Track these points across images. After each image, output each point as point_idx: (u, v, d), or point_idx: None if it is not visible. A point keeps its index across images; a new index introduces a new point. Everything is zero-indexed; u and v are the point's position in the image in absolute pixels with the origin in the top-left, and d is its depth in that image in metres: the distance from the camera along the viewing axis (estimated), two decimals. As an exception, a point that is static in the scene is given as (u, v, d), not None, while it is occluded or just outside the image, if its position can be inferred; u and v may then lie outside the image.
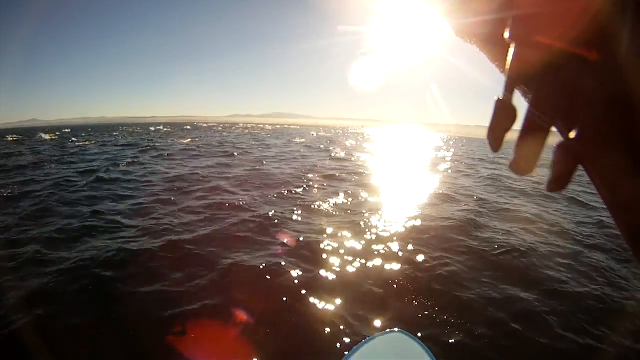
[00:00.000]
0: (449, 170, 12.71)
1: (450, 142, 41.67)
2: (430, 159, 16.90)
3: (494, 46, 0.28)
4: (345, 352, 2.07)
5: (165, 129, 45.61)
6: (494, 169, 13.88)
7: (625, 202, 0.23)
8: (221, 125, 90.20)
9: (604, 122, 0.22)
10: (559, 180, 0.24)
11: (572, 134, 0.23)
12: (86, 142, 21.82)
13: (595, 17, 0.20)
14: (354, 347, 2.08)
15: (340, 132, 62.90)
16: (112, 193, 6.88)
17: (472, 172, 12.53)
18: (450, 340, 2.74)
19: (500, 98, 0.25)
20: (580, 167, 0.24)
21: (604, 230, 5.60)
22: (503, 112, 0.25)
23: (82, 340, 2.57)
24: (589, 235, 5.35)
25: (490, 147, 0.27)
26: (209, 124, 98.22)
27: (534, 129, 0.24)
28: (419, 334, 2.69)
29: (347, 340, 2.68)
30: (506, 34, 0.24)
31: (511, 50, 0.24)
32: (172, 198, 6.45)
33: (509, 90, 0.25)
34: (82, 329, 2.68)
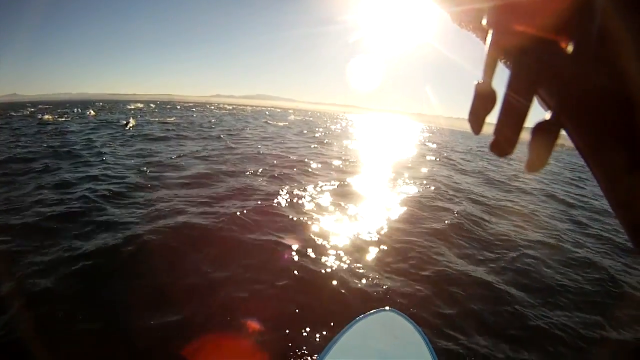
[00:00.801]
0: (434, 161, 12.91)
1: (437, 134, 42.06)
2: (415, 149, 17.04)
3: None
4: (337, 332, 2.08)
5: (146, 108, 43.81)
6: (473, 161, 14.16)
7: (625, 200, 0.23)
8: (202, 105, 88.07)
9: (593, 114, 0.22)
10: (535, 162, 0.24)
11: (547, 115, 0.24)
12: (64, 119, 20.76)
13: (569, 4, 0.21)
14: (346, 326, 2.09)
15: (325, 117, 62.46)
16: (95, 176, 6.51)
17: (455, 164, 12.73)
18: (439, 320, 2.86)
19: (480, 82, 0.26)
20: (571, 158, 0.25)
21: (583, 230, 5.91)
22: (482, 96, 0.26)
23: (73, 340, 2.43)
24: (567, 231, 5.61)
25: (471, 130, 0.28)
26: (193, 103, 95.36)
27: (512, 110, 0.25)
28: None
29: (338, 320, 2.71)
30: (484, 21, 0.25)
31: (489, 36, 0.25)
32: (161, 183, 6.23)
33: (487, 74, 0.26)
34: (71, 327, 2.53)
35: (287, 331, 2.62)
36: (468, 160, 14.40)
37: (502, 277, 3.68)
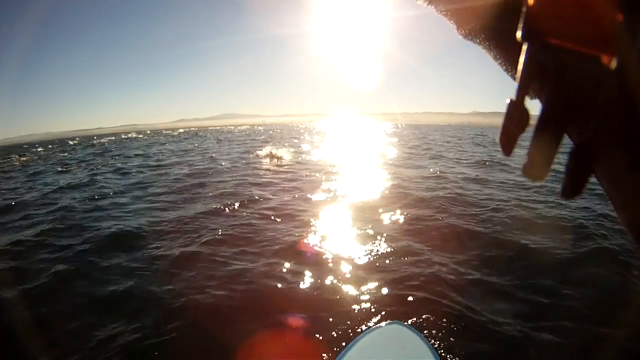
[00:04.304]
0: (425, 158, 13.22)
1: (404, 132, 42.80)
2: (395, 149, 17.31)
3: (504, 46, 0.28)
4: (345, 346, 2.07)
5: (109, 140, 42.14)
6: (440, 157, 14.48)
7: (628, 201, 0.23)
8: (167, 130, 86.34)
9: (619, 123, 0.22)
10: (574, 187, 0.23)
11: (583, 137, 0.23)
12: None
13: (610, 19, 0.20)
14: (353, 340, 2.09)
15: (301, 128, 62.55)
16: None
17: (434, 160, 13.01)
18: (447, 332, 2.78)
19: (513, 100, 0.25)
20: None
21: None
22: (516, 115, 0.25)
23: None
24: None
25: (502, 151, 0.26)
26: (162, 131, 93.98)
27: (548, 132, 0.23)
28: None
29: (345, 333, 2.72)
30: (518, 34, 0.23)
31: (524, 50, 0.24)
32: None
33: (521, 92, 0.24)
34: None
35: (295, 346, 2.61)
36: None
37: (510, 284, 3.53)
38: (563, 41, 0.22)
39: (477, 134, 34.76)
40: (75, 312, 3.17)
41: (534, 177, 0.24)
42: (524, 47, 0.24)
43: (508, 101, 0.25)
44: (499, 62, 0.30)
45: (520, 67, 0.24)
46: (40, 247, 4.64)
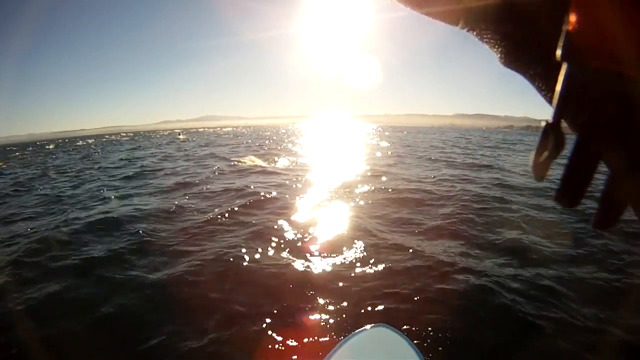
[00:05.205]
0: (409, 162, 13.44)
1: (390, 135, 42.88)
2: (383, 152, 17.62)
3: (545, 67, 0.26)
4: (329, 350, 2.05)
5: (93, 142, 40.71)
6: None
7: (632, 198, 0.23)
8: (150, 132, 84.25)
9: None
10: (609, 217, 0.22)
11: (623, 165, 0.22)
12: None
13: None
14: (338, 343, 2.07)
15: (283, 132, 61.89)
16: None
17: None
18: (433, 334, 2.77)
19: (549, 122, 0.23)
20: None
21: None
22: (552, 139, 0.23)
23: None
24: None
25: (534, 176, 0.24)
26: (144, 132, 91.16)
27: (585, 158, 0.22)
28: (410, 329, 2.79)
29: (330, 337, 2.73)
30: (558, 52, 0.22)
31: (563, 70, 0.22)
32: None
33: (558, 115, 0.23)
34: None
35: (279, 349, 2.62)
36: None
37: (503, 286, 3.48)
38: (607, 64, 0.20)
39: (460, 136, 35.39)
40: (79, 318, 3.15)
41: (567, 203, 0.24)
42: (563, 68, 0.22)
43: (544, 124, 0.23)
44: (543, 93, 0.27)
45: (558, 88, 0.23)
46: (38, 258, 4.50)
